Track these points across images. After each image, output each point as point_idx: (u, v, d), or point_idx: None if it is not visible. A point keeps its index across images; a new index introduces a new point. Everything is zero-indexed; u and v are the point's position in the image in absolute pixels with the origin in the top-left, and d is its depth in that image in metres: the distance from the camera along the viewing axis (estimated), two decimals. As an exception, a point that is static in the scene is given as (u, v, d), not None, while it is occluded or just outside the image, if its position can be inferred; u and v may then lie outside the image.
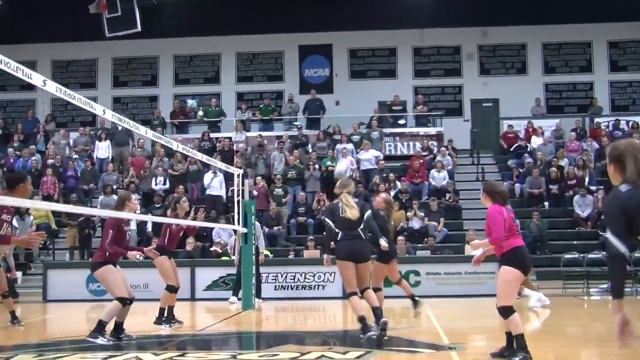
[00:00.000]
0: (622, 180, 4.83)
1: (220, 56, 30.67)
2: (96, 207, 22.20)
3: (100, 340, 9.94)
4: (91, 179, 24.72)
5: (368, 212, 9.93)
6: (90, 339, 9.97)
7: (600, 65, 29.70)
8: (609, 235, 4.66)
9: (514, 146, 25.86)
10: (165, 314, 12.18)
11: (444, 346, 9.45)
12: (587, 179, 23.36)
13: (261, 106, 28.48)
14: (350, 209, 9.75)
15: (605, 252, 4.02)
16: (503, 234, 8.11)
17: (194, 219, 13.78)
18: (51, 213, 22.69)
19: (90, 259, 21.09)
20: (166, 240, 12.35)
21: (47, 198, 22.32)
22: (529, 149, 25.43)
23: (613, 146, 5.03)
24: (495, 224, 8.13)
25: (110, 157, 25.66)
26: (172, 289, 12.12)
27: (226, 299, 17.53)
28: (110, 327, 10.26)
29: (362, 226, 9.82)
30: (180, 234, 12.73)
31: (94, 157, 25.80)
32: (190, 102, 29.36)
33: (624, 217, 4.65)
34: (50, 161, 24.67)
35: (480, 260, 8.85)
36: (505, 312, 7.88)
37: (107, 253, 10.26)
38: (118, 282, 10.21)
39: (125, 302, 10.14)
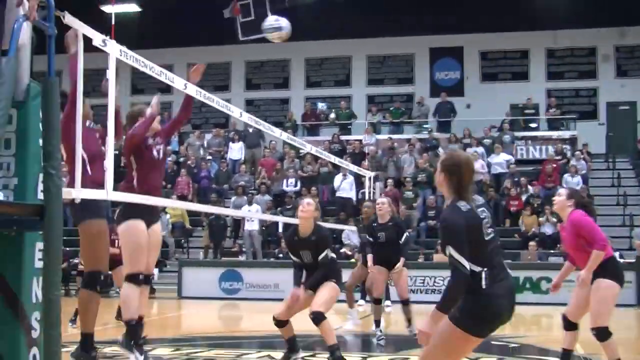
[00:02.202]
0: (456, 196, 4.90)
1: (351, 59, 30.83)
2: (228, 207, 22.67)
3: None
4: (225, 180, 25.28)
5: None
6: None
7: None
8: (453, 253, 4.68)
9: (653, 151, 25.02)
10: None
11: (579, 356, 9.22)
12: None
13: (391, 109, 28.46)
14: None
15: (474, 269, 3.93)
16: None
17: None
18: (186, 212, 23.33)
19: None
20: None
21: (182, 198, 22.94)
22: (669, 154, 24.54)
23: (450, 155, 5.09)
24: (593, 229, 7.31)
25: (242, 158, 26.17)
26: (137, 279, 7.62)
27: (356, 301, 17.56)
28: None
29: None
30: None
31: (227, 158, 26.36)
32: (320, 106, 29.62)
33: (466, 237, 4.73)
34: (188, 162, 25.36)
35: (560, 285, 7.97)
36: (604, 334, 7.22)
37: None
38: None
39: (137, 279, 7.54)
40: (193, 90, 7.45)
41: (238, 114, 8.70)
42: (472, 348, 5.02)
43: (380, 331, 11.00)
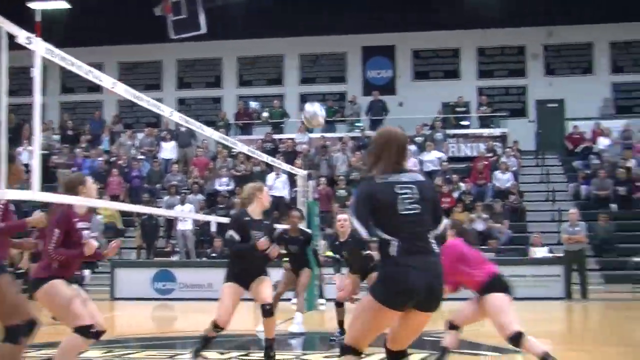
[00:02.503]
0: (378, 170, 5.05)
1: (283, 58, 30.80)
2: (161, 207, 22.47)
3: None
4: (157, 180, 25.05)
5: None
6: None
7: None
8: (351, 217, 4.95)
9: (580, 147, 25.49)
10: None
11: (510, 349, 9.34)
12: (656, 181, 22.89)
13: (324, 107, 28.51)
14: None
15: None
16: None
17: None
18: (118, 213, 23.07)
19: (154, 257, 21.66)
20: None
21: (114, 198, 22.68)
22: (595, 150, 25.03)
23: (377, 131, 5.38)
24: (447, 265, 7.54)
25: (175, 158, 25.97)
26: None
27: (289, 300, 17.56)
28: None
29: None
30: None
31: (159, 157, 26.13)
32: (253, 105, 29.54)
33: (371, 206, 4.95)
34: (119, 162, 25.07)
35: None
36: (516, 338, 7.24)
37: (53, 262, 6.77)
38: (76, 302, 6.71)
39: (88, 332, 6.63)
40: (122, 89, 7.35)
41: (169, 113, 8.61)
42: (391, 321, 5.00)
43: (340, 332, 11.01)
